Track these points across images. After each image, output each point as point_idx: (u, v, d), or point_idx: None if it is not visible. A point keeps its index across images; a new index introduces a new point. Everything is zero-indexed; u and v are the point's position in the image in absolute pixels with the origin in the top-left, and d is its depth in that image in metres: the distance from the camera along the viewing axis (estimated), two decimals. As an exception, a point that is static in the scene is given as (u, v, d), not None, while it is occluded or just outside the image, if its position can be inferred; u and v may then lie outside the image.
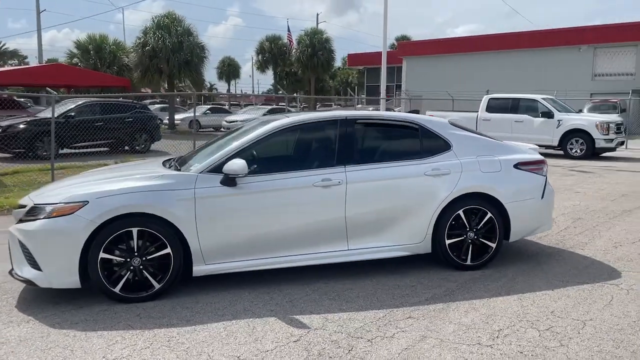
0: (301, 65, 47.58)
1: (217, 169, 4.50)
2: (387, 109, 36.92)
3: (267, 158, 4.70)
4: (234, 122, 27.25)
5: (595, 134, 15.60)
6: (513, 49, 37.33)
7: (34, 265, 4.20)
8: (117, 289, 4.25)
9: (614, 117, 17.11)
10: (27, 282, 4.26)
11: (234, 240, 4.49)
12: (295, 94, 43.07)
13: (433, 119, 5.40)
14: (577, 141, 15.93)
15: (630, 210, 7.95)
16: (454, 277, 4.87)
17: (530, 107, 16.81)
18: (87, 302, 4.30)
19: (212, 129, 29.61)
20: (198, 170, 4.52)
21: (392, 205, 4.85)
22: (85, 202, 4.19)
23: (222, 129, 28.48)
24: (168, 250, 4.32)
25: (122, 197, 4.25)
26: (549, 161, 13.03)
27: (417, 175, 4.91)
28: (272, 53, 53.34)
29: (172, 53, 25.20)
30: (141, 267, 4.29)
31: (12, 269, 4.42)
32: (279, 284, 4.69)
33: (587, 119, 16.15)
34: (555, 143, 16.19)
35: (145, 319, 3.99)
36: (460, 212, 4.99)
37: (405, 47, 43.31)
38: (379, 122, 5.17)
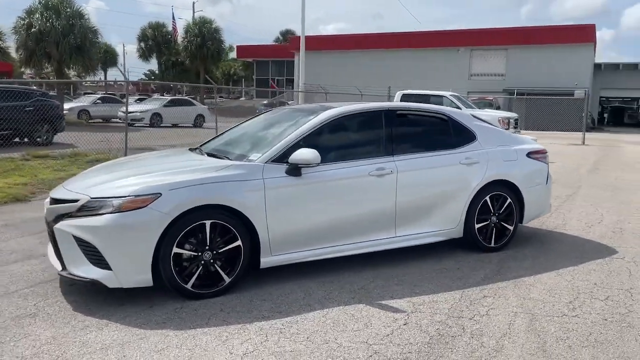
0: (190, 55, 46.12)
1: (280, 158, 4.43)
2: (282, 103, 37.14)
3: (324, 148, 4.69)
4: (131, 112, 25.82)
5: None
6: (403, 47, 39.42)
7: (101, 264, 3.85)
8: (189, 285, 4.04)
9: (512, 114, 18.92)
10: (92, 282, 3.89)
11: (298, 230, 4.47)
12: (181, 83, 41.55)
13: (459, 111, 5.74)
14: (482, 135, 17.38)
15: (570, 195, 9.00)
16: (487, 259, 5.25)
17: (439, 103, 17.99)
18: (151, 301, 4.03)
19: (101, 120, 27.78)
20: (263, 160, 4.41)
21: (433, 192, 5.11)
22: (158, 195, 3.92)
23: (116, 120, 26.83)
24: (239, 242, 4.18)
25: (196, 188, 4.04)
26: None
27: (453, 164, 5.22)
28: (155, 41, 51.03)
29: (63, 37, 23.15)
30: (212, 261, 4.11)
31: (63, 269, 4.00)
32: (333, 273, 4.72)
33: (491, 115, 17.67)
34: (463, 137, 17.53)
35: (234, 313, 3.85)
36: (487, 198, 5.38)
37: (298, 42, 43.69)
38: (415, 113, 5.39)
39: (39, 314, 3.80)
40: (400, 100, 18.47)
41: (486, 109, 20.02)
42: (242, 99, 54.08)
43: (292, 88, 41.03)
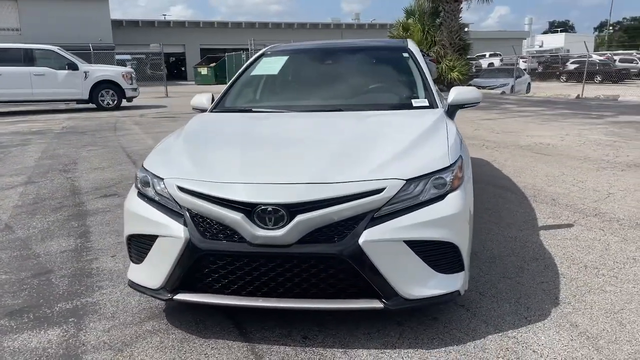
0: None
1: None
2: None
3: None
4: None
5: (124, 84, 15.93)
6: None
7: (451, 268, 2.57)
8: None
9: (130, 69, 17.56)
10: (440, 300, 2.55)
11: None
12: None
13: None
14: (107, 92, 15.81)
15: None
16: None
17: (49, 59, 15.17)
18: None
19: None
20: (444, 105, 3.63)
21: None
22: (461, 159, 2.81)
23: None
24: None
25: (458, 145, 2.97)
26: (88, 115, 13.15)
27: None
28: None
29: None
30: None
31: (392, 298, 2.42)
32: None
33: (114, 70, 16.22)
34: (86, 96, 15.49)
35: (521, 315, 3.27)
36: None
37: None
38: None
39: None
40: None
41: (101, 65, 18.06)
42: None
43: None
